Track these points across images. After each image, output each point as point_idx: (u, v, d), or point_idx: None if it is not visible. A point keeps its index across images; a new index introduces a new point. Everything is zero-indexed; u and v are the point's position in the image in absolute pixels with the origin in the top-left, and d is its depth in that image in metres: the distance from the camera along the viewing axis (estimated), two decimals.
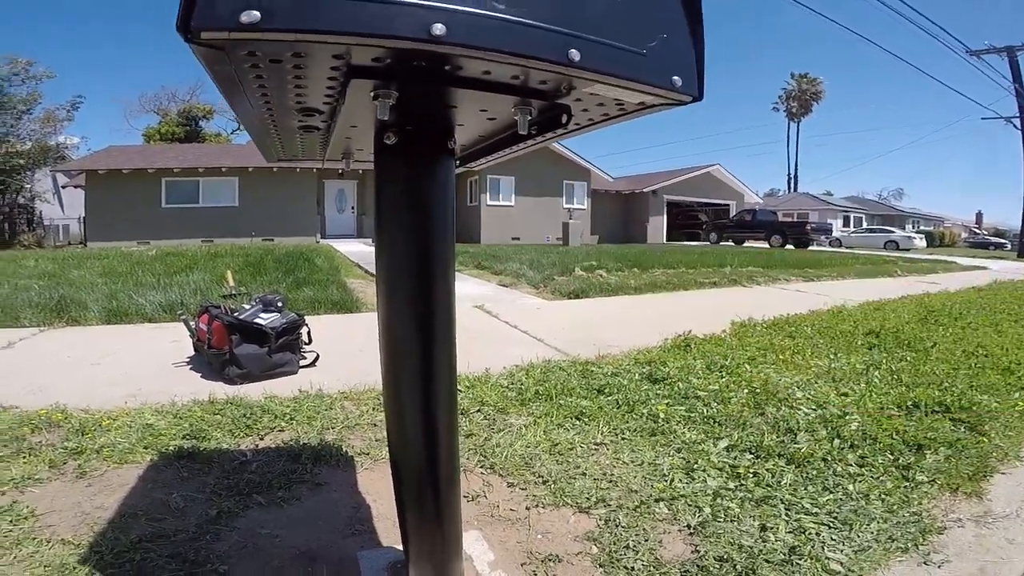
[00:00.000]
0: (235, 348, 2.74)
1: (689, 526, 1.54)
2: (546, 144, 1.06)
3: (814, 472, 1.83)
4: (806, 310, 5.09)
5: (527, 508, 1.65)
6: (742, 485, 1.75)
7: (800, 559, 1.39)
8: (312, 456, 1.90)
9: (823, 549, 1.43)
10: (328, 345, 3.23)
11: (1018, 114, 22.57)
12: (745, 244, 21.58)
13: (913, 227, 38.87)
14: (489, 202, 19.78)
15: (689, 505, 1.64)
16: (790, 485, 1.75)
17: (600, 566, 1.39)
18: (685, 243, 22.76)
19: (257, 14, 0.50)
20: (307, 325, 3.09)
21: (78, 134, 32.15)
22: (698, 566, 1.37)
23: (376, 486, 1.73)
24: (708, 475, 1.81)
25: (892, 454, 1.97)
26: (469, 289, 6.63)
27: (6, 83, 21.23)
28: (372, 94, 0.70)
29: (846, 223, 36.82)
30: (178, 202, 17.40)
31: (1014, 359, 3.33)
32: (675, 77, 0.74)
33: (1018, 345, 3.75)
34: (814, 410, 2.37)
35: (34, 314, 4.12)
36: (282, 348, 2.88)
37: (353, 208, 20.34)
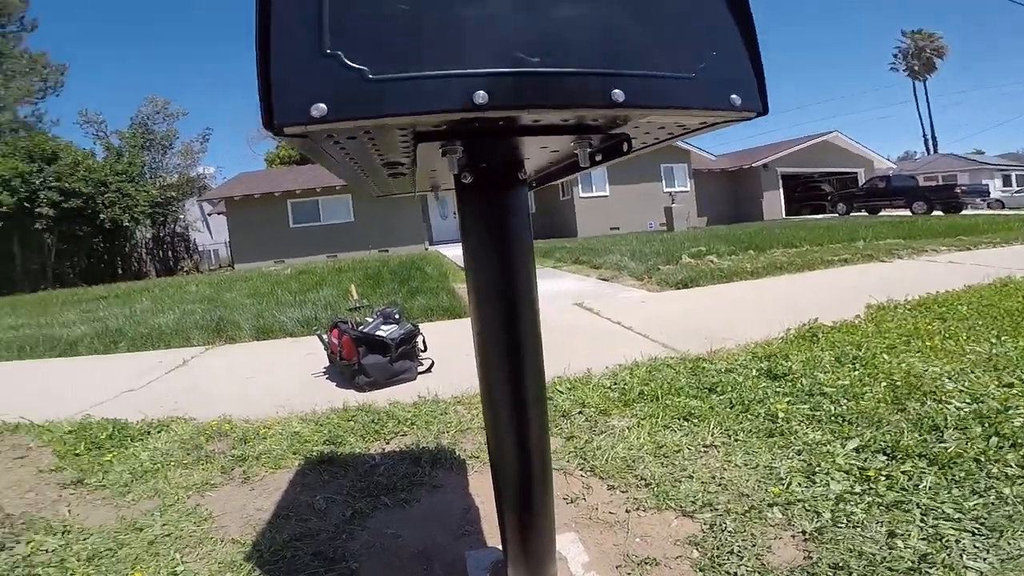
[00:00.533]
0: (362, 359, 3.04)
1: (804, 532, 1.46)
2: None
3: (961, 474, 1.63)
4: (961, 285, 4.41)
5: (626, 511, 1.66)
6: (871, 489, 1.61)
7: (931, 567, 1.27)
8: (430, 459, 2.07)
9: (961, 557, 1.29)
10: (440, 352, 3.44)
11: None
12: (881, 214, 19.21)
13: None
14: (582, 194, 19.48)
15: (807, 510, 1.54)
16: (929, 488, 1.58)
17: (700, 570, 1.36)
18: (807, 217, 20.83)
19: (324, 106, 0.58)
20: (422, 334, 3.34)
21: (213, 164, 36.21)
22: (808, 573, 1.30)
23: (484, 488, 1.84)
24: (831, 478, 1.68)
25: None
26: (568, 285, 6.59)
27: (150, 121, 24.66)
28: (441, 151, 0.78)
29: (1006, 183, 31.51)
30: (303, 221, 19.15)
31: None
32: (733, 96, 0.71)
33: None
34: (968, 404, 2.08)
35: (200, 335, 4.92)
36: (401, 357, 3.14)
37: (454, 214, 20.97)
